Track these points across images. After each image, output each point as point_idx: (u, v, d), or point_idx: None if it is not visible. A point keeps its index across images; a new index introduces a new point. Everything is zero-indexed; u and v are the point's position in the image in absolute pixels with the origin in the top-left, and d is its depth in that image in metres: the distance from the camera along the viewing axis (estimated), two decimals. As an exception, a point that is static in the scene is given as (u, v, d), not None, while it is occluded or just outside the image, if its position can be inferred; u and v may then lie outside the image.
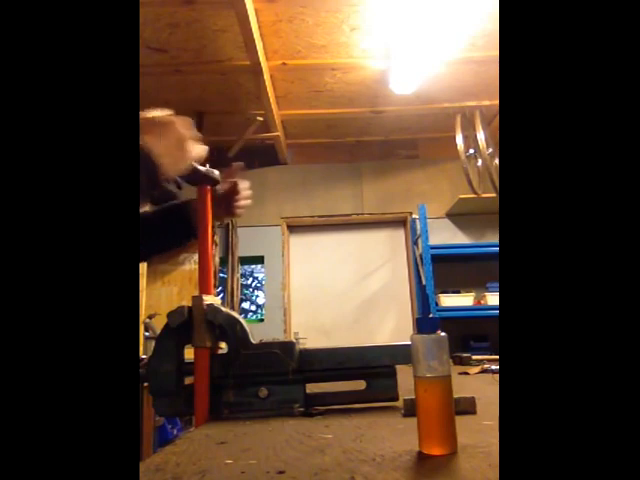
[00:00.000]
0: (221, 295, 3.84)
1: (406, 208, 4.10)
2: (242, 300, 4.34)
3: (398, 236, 4.22)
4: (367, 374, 0.80)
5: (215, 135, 3.76)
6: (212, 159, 0.86)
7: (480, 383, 1.17)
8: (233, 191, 0.95)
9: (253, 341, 0.79)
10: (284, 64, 3.06)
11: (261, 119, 3.47)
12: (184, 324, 0.78)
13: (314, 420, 0.72)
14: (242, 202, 0.96)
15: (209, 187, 0.87)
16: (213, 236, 3.72)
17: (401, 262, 4.15)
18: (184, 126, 0.72)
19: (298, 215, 4.14)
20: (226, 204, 0.95)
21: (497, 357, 1.88)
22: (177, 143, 0.70)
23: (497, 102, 3.52)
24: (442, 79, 3.29)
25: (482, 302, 3.56)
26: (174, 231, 0.96)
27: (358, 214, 4.13)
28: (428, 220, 3.61)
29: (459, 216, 4.02)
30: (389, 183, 4.17)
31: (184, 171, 0.75)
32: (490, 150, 3.11)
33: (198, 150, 0.75)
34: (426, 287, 3.45)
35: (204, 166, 0.85)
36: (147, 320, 3.20)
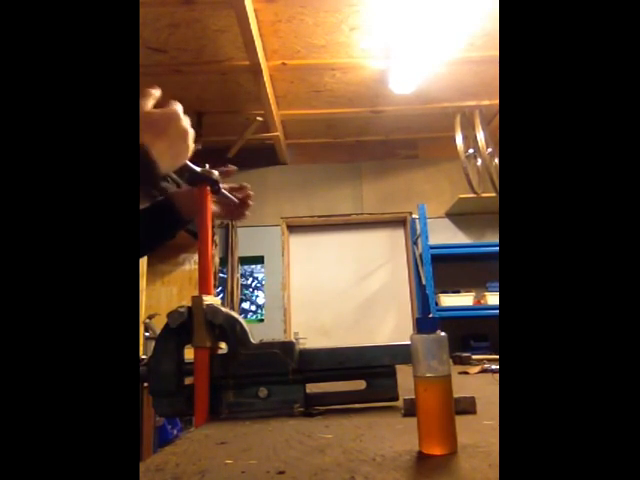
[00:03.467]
0: (221, 295, 3.84)
1: (406, 208, 4.10)
2: (242, 300, 4.34)
3: (398, 236, 4.22)
4: (367, 374, 0.80)
5: (215, 135, 3.76)
6: (212, 160, 0.86)
7: (480, 383, 1.17)
8: (246, 195, 0.97)
9: (253, 341, 0.79)
10: (284, 64, 3.06)
11: (261, 119, 3.47)
12: (184, 324, 0.78)
13: (314, 420, 0.72)
14: (250, 205, 0.99)
15: (208, 188, 0.87)
16: (213, 236, 3.72)
17: (401, 262, 4.15)
18: (186, 120, 0.70)
19: (298, 215, 4.14)
20: (238, 208, 0.98)
21: (497, 357, 1.88)
22: (178, 139, 0.68)
23: (497, 102, 3.52)
24: (441, 79, 3.29)
25: (482, 302, 3.56)
26: (162, 225, 0.95)
27: (358, 214, 4.12)
28: (428, 220, 3.61)
29: (459, 216, 4.02)
30: (389, 183, 4.17)
31: (180, 168, 0.73)
32: (490, 150, 3.11)
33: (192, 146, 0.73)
34: (426, 287, 3.45)
35: (202, 167, 0.85)
36: (147, 320, 3.20)
